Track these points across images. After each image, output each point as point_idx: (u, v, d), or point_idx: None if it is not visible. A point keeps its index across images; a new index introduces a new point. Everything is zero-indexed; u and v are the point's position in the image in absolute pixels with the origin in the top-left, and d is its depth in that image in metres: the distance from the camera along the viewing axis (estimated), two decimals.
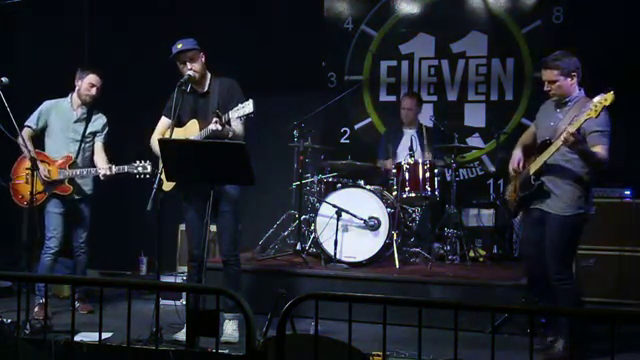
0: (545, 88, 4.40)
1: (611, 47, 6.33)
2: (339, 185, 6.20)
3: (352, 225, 5.90)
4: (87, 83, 5.40)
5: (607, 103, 3.97)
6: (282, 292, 4.29)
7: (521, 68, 6.95)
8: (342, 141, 7.45)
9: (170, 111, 4.57)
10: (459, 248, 6.25)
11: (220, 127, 4.35)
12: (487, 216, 6.79)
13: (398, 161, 6.33)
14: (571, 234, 4.39)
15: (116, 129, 5.71)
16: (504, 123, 6.88)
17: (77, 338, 4.30)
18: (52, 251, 5.34)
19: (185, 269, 5.33)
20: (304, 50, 7.22)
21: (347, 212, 5.83)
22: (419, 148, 6.39)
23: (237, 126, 4.54)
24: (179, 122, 4.61)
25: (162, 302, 4.81)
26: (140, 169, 5.12)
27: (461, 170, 7.01)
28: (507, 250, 6.55)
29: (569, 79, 4.33)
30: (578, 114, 4.25)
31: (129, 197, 5.78)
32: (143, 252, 7.14)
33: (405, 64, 7.31)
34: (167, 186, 4.62)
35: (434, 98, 7.22)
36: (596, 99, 4.02)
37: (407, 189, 6.04)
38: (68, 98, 5.49)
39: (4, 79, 4.82)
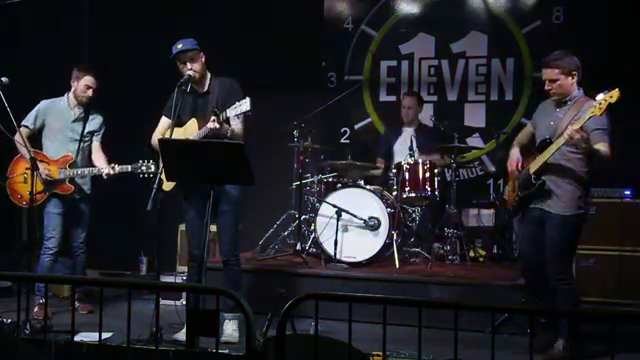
0: (546, 87, 4.40)
1: (611, 47, 6.33)
2: (339, 185, 6.20)
3: (352, 225, 5.90)
4: (83, 85, 5.40)
5: (612, 100, 3.96)
6: (282, 292, 4.29)
7: (521, 68, 6.95)
8: (342, 141, 7.45)
9: (170, 111, 4.58)
10: (459, 248, 6.24)
11: (218, 125, 4.35)
12: (487, 216, 6.80)
13: (397, 161, 6.34)
14: (571, 234, 4.40)
15: (116, 129, 5.71)
16: (504, 123, 6.87)
17: (77, 338, 4.30)
18: (51, 251, 5.34)
19: (185, 269, 5.33)
20: (304, 50, 7.22)
21: (347, 212, 5.83)
22: (418, 148, 6.37)
23: (236, 125, 4.55)
24: (179, 122, 4.61)
25: (162, 302, 4.81)
26: (144, 168, 5.11)
27: (461, 170, 7.01)
28: (507, 250, 6.54)
29: (570, 78, 4.33)
30: (578, 113, 4.26)
31: (129, 197, 5.77)
32: (143, 252, 7.14)
33: (405, 64, 7.31)
34: (167, 186, 4.63)
35: (434, 98, 7.22)
36: (600, 96, 4.01)
37: (407, 189, 6.04)
38: (65, 98, 5.48)
39: (4, 79, 4.82)
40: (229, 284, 4.63)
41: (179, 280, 5.80)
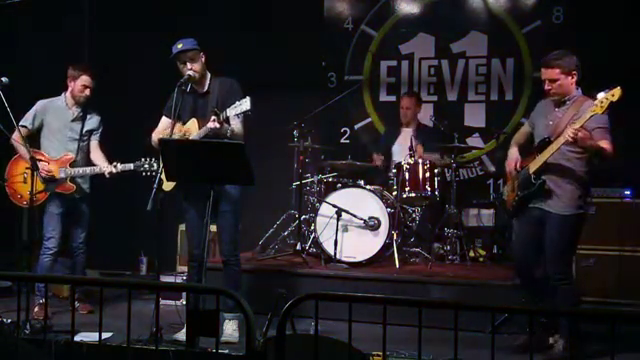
0: (546, 87, 4.40)
1: (611, 47, 6.33)
2: (339, 185, 6.20)
3: (352, 225, 5.90)
4: (80, 85, 5.39)
5: (615, 99, 3.96)
6: (282, 292, 4.29)
7: (521, 68, 6.95)
8: (342, 141, 7.45)
9: (170, 111, 4.58)
10: (459, 248, 6.25)
11: (218, 125, 4.35)
12: (487, 216, 6.80)
13: (396, 161, 6.33)
14: (571, 233, 4.40)
15: (116, 129, 5.71)
16: (504, 123, 6.88)
17: (77, 338, 4.30)
18: (51, 252, 5.34)
19: (185, 269, 5.33)
20: (304, 50, 7.22)
21: (347, 212, 5.83)
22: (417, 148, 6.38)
23: (236, 125, 4.55)
24: (179, 122, 4.61)
25: (162, 302, 4.82)
26: (147, 166, 5.11)
27: (461, 170, 7.01)
28: (507, 250, 6.52)
29: (569, 78, 4.33)
30: (577, 112, 4.26)
31: (129, 197, 5.78)
32: (143, 252, 7.14)
33: (405, 64, 7.31)
34: (167, 186, 4.63)
35: (434, 98, 7.22)
36: (601, 95, 4.01)
37: (407, 189, 6.04)
38: (62, 97, 5.48)
39: (4, 79, 4.82)
40: (229, 284, 4.63)
41: (179, 280, 5.80)
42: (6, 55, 6.96)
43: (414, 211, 6.39)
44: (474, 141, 6.96)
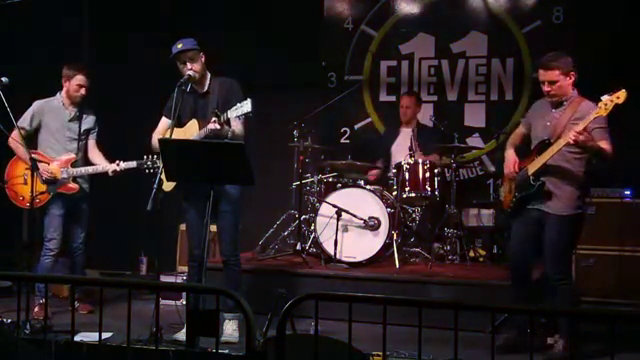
0: (545, 89, 4.38)
1: (611, 47, 6.33)
2: (339, 185, 6.20)
3: (352, 225, 5.90)
4: (75, 84, 5.38)
5: (620, 101, 3.96)
6: (282, 292, 4.29)
7: (521, 68, 6.95)
8: (342, 141, 7.45)
9: (170, 111, 4.57)
10: (459, 248, 6.25)
11: (219, 127, 4.35)
12: (487, 216, 6.80)
13: (397, 161, 6.33)
14: (570, 234, 4.40)
15: (116, 129, 5.71)
16: (504, 123, 6.87)
17: (77, 338, 4.30)
18: (52, 253, 5.32)
19: (185, 269, 5.33)
20: (304, 50, 7.22)
21: (347, 212, 5.83)
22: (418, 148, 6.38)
23: (237, 126, 4.55)
24: (179, 122, 4.61)
25: (162, 302, 4.81)
26: (150, 164, 5.09)
27: (461, 170, 7.01)
28: (507, 250, 6.53)
29: (568, 78, 4.33)
30: (575, 113, 4.26)
31: (129, 197, 5.77)
32: (143, 252, 7.14)
33: (405, 64, 7.31)
34: (167, 186, 4.62)
35: (434, 98, 7.22)
36: (605, 97, 4.00)
37: (407, 189, 6.04)
38: (58, 97, 5.47)
39: (4, 79, 4.82)
40: (229, 284, 4.63)
41: (179, 280, 5.80)
42: (6, 55, 6.96)
43: (414, 211, 6.39)
44: (474, 141, 6.96)
